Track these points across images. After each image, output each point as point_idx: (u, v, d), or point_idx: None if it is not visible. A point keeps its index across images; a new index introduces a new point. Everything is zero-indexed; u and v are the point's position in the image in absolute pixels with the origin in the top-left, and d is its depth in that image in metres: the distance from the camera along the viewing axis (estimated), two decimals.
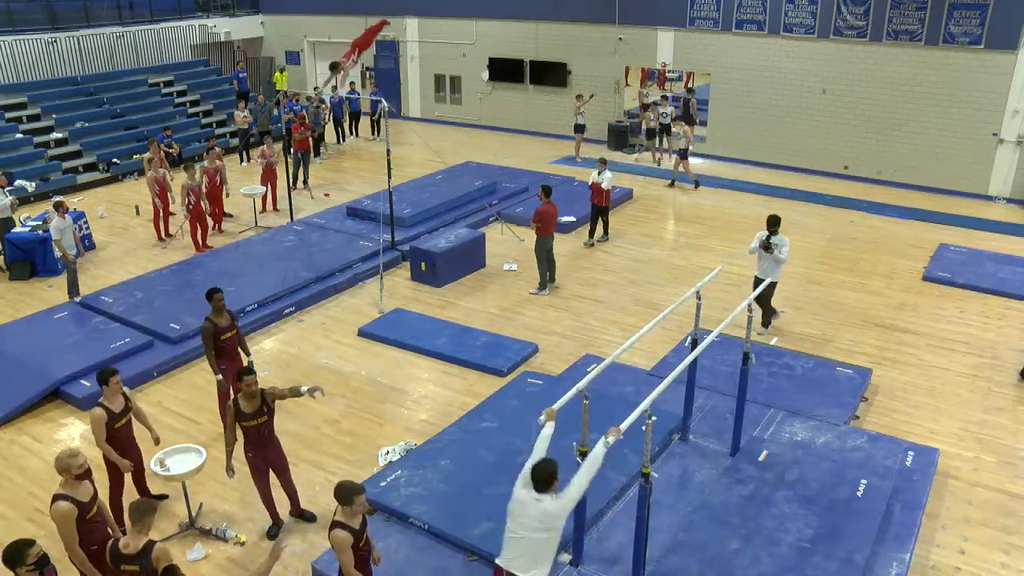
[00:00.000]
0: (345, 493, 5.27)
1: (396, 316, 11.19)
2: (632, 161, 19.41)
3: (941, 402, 9.16)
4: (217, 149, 15.17)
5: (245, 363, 8.38)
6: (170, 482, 6.94)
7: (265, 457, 6.84)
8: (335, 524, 5.29)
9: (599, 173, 13.59)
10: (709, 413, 8.54)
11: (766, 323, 10.67)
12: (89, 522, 5.52)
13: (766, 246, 9.99)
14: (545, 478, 5.06)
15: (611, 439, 5.16)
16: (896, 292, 11.98)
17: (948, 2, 15.90)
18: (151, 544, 4.95)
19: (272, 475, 7.00)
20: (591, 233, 14.07)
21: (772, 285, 10.07)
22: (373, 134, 21.57)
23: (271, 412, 6.77)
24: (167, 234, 14.21)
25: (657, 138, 19.32)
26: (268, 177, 15.46)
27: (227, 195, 14.48)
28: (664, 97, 19.90)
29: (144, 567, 4.91)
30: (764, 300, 10.34)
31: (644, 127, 19.36)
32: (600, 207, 13.84)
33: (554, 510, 5.04)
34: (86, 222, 14.09)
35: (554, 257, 12.18)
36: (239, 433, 6.75)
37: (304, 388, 6.75)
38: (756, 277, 10.22)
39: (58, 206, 11.49)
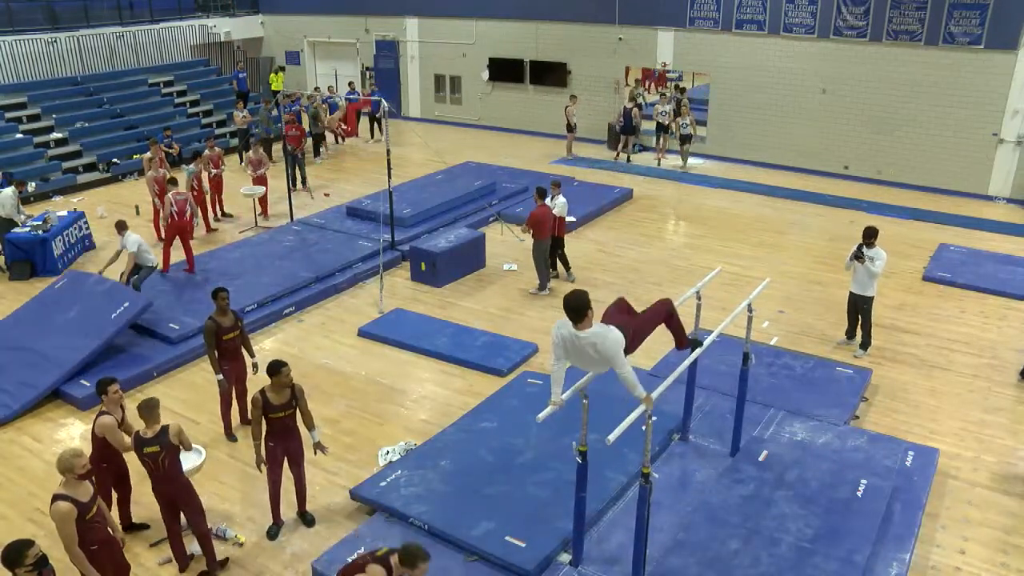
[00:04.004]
0: (410, 556, 4.92)
1: (396, 316, 11.18)
2: (625, 161, 19.40)
3: (941, 402, 9.16)
4: (217, 150, 15.14)
5: (250, 364, 8.40)
6: None
7: (285, 448, 6.90)
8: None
9: (551, 199, 11.88)
10: (709, 413, 8.54)
11: (865, 344, 10.08)
12: (89, 522, 5.51)
13: (858, 255, 9.65)
14: (576, 307, 5.12)
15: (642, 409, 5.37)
16: (896, 292, 11.97)
17: (948, 2, 15.90)
18: (165, 427, 6.12)
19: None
20: (553, 267, 12.30)
21: (870, 300, 9.87)
22: (373, 135, 21.46)
23: (297, 405, 6.85)
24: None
25: (656, 137, 19.33)
26: (260, 183, 15.27)
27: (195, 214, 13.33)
28: (663, 95, 19.91)
29: (163, 444, 6.09)
30: (864, 319, 9.99)
31: (655, 121, 19.27)
32: (554, 237, 11.95)
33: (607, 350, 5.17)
34: (86, 222, 14.10)
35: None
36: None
37: (315, 436, 6.97)
38: (851, 292, 10.01)
39: (121, 226, 11.27)
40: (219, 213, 15.25)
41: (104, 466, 6.67)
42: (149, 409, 6.15)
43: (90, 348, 9.49)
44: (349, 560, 5.43)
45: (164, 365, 9.83)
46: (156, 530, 7.00)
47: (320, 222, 14.41)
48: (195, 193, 14.00)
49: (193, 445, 7.08)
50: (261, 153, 15.17)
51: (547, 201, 11.87)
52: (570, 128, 19.46)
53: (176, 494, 6.32)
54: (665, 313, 5.94)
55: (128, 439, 6.42)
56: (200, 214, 14.25)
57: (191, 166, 14.37)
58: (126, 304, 10.05)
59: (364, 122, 21.96)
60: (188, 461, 6.81)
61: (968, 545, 6.95)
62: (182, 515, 6.49)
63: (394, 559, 4.94)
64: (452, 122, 23.34)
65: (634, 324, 5.54)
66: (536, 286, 12.07)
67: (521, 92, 21.95)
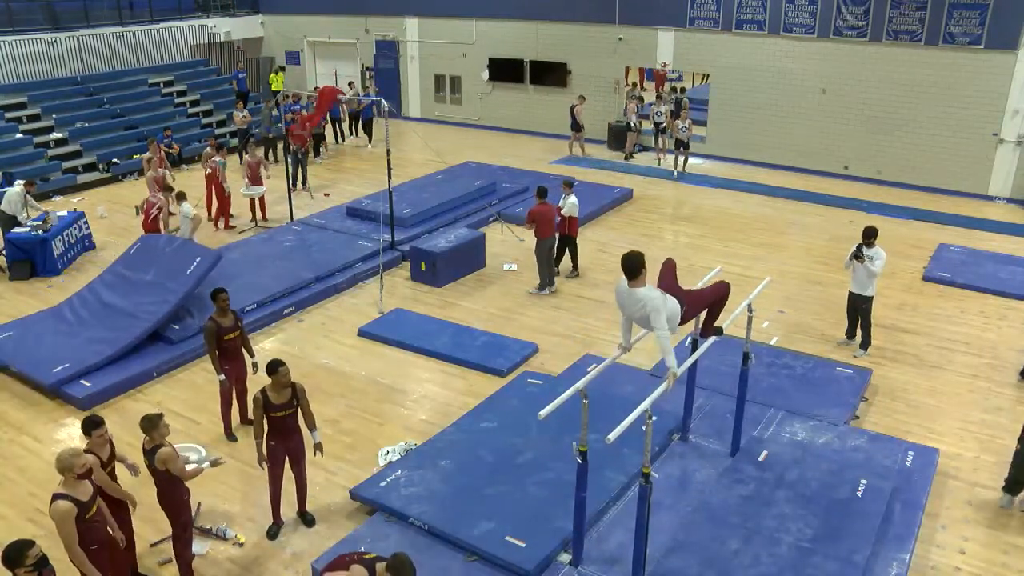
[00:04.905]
0: (398, 566, 4.79)
1: (396, 316, 11.19)
2: (627, 160, 19.40)
3: (941, 402, 9.17)
4: (209, 151, 15.12)
5: (249, 364, 8.41)
6: None
7: (286, 447, 6.91)
8: None
9: (563, 198, 12.07)
10: (709, 413, 8.54)
11: (865, 344, 10.06)
12: (88, 521, 5.51)
13: (857, 255, 9.63)
14: (631, 266, 5.60)
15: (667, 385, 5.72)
16: (896, 292, 11.97)
17: (948, 2, 15.90)
18: (158, 447, 6.05)
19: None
20: (557, 262, 12.39)
21: (869, 300, 9.86)
22: (369, 140, 21.22)
23: (299, 404, 6.85)
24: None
25: (654, 137, 19.33)
26: (259, 182, 15.23)
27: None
28: (659, 96, 19.92)
29: (149, 462, 6.08)
30: (864, 319, 9.95)
31: (653, 122, 19.21)
32: (565, 236, 12.22)
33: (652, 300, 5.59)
34: (86, 222, 14.09)
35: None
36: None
37: (316, 436, 6.97)
38: (851, 292, 10.00)
39: (180, 196, 12.34)
40: None
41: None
42: (146, 430, 6.10)
43: (174, 300, 10.20)
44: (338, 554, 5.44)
45: (164, 365, 9.82)
46: (156, 530, 7.00)
47: (320, 222, 14.41)
48: (221, 183, 14.39)
49: (193, 445, 7.09)
50: (260, 156, 15.12)
51: (559, 201, 12.08)
52: (576, 127, 19.44)
53: (164, 507, 6.31)
54: (720, 296, 6.36)
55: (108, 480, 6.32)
56: (225, 211, 14.78)
57: (218, 157, 14.43)
58: (199, 259, 10.68)
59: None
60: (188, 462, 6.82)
61: (968, 545, 6.95)
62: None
63: (380, 566, 4.90)
64: (452, 122, 23.33)
65: (689, 298, 5.98)
66: (536, 286, 12.08)
67: (521, 92, 21.94)
